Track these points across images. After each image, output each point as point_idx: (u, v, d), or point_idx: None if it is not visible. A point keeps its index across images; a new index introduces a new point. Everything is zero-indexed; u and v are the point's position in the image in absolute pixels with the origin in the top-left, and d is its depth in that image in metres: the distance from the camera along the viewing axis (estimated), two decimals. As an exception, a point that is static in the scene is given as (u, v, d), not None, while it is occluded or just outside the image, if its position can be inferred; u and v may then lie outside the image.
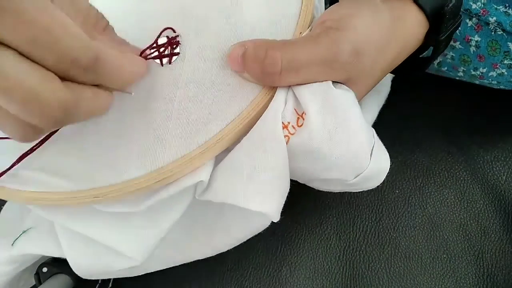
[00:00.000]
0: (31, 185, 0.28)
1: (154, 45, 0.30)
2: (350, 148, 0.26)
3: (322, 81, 0.26)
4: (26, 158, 0.28)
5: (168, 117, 0.28)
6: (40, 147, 0.28)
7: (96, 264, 0.31)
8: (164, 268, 0.35)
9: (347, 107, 0.26)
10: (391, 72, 0.32)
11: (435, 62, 0.42)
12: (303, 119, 0.26)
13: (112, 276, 0.32)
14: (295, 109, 0.27)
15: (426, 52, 0.32)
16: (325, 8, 0.31)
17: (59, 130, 0.28)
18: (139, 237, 0.29)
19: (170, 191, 0.27)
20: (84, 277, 0.32)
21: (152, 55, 0.30)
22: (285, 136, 0.26)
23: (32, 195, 0.27)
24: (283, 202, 0.27)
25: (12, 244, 0.35)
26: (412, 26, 0.28)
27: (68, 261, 0.31)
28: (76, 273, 0.32)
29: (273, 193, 0.26)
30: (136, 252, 0.28)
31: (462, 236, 0.39)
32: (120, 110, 0.29)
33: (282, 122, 0.26)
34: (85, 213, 0.29)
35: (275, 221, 0.27)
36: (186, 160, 0.26)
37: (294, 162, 0.27)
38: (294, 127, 0.27)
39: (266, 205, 0.26)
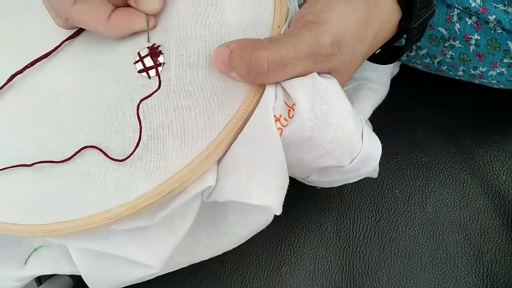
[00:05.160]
0: (43, 218, 0.28)
1: (138, 58, 0.31)
2: (341, 132, 0.27)
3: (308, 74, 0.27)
4: (32, 191, 0.29)
5: (164, 129, 0.28)
6: (40, 178, 0.29)
7: (112, 277, 0.31)
8: (170, 271, 0.35)
9: (334, 94, 0.27)
10: (367, 60, 0.33)
11: (435, 61, 0.42)
12: (294, 110, 0.27)
13: (126, 284, 0.32)
14: (285, 102, 0.27)
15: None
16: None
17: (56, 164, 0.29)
18: (157, 246, 0.29)
19: (180, 200, 0.27)
20: None
21: (138, 69, 0.31)
22: (278, 129, 0.27)
23: (46, 228, 0.28)
24: (284, 195, 0.28)
25: (25, 263, 0.35)
26: (387, 14, 0.30)
27: (83, 277, 0.32)
28: (91, 287, 0.32)
29: (273, 186, 0.27)
30: (157, 261, 0.29)
31: (462, 236, 0.40)
32: None
33: (274, 116, 0.27)
34: (100, 233, 0.29)
35: (278, 214, 0.27)
36: (190, 168, 0.27)
37: (290, 153, 0.28)
38: (286, 119, 0.27)
39: (268, 199, 0.26)
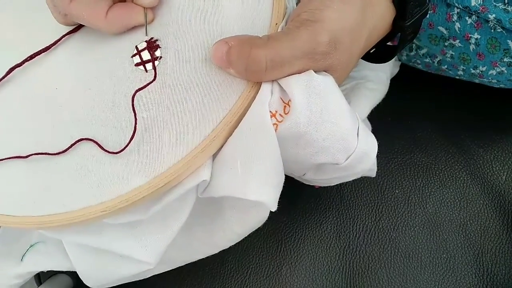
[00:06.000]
0: (38, 209, 0.28)
1: (135, 51, 0.31)
2: (337, 129, 0.27)
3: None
4: (27, 183, 0.29)
5: (160, 122, 0.28)
6: (36, 170, 0.29)
7: (106, 273, 0.31)
8: (168, 269, 0.35)
9: (330, 91, 0.27)
10: (361, 58, 0.33)
11: (435, 61, 0.42)
12: (289, 107, 0.27)
13: (121, 282, 0.32)
14: (281, 98, 0.28)
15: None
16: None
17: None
18: (151, 241, 0.29)
19: (174, 194, 0.27)
20: (95, 287, 0.32)
21: (135, 62, 0.31)
22: (273, 125, 0.27)
23: (41, 219, 0.28)
24: (280, 191, 0.28)
25: (22, 259, 0.35)
26: (381, 13, 0.30)
27: (78, 273, 0.32)
28: (87, 284, 0.32)
29: (269, 182, 0.27)
30: (151, 257, 0.29)
31: (462, 236, 0.39)
32: None
33: (270, 111, 0.27)
34: (94, 227, 0.29)
35: (273, 210, 0.27)
36: (185, 162, 0.27)
37: (285, 149, 0.28)
38: (281, 115, 0.27)
39: (263, 195, 0.26)
